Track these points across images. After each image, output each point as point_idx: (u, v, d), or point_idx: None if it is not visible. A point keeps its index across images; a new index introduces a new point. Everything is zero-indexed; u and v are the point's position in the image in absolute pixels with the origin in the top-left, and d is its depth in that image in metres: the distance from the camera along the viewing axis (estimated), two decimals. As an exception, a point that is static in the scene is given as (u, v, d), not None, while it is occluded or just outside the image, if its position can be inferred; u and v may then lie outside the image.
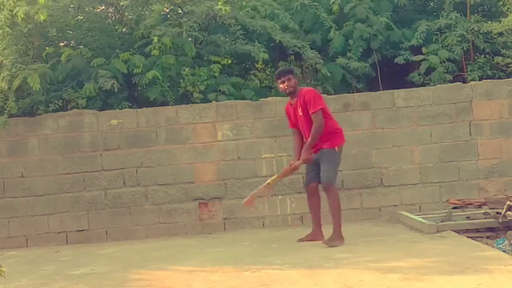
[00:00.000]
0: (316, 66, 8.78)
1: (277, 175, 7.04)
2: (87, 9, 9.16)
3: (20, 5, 7.86)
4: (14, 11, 7.86)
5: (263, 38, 8.99)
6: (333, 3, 9.09)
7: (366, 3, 9.08)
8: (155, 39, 8.17)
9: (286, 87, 6.69)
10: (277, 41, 8.70)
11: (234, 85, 8.75)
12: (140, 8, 9.12)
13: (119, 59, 8.52)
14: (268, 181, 6.94)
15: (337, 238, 6.56)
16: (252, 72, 9.58)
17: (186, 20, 8.50)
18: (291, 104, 6.80)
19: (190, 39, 8.57)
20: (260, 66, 9.30)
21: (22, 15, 7.82)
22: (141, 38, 8.69)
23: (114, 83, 8.14)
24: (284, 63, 9.08)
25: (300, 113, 6.65)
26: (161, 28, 8.35)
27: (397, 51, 9.12)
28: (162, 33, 8.18)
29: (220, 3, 8.28)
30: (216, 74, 8.67)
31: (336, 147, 6.66)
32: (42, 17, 7.83)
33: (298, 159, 6.74)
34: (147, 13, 8.94)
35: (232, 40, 8.79)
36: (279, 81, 6.76)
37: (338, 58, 8.90)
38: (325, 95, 8.57)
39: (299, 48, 8.74)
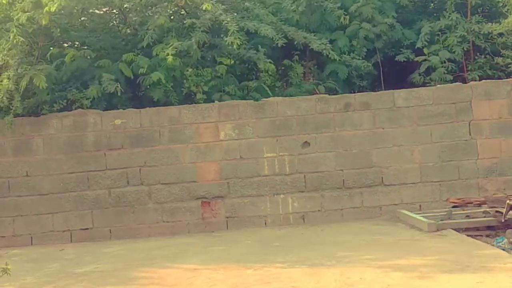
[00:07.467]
0: (323, 52, 8.67)
1: None
2: (91, 10, 9.20)
3: (23, 8, 7.91)
4: (17, 16, 7.93)
5: (267, 38, 8.99)
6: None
7: (373, 3, 9.10)
8: (170, 58, 8.17)
9: None
10: (279, 46, 8.71)
11: (241, 87, 8.76)
12: (144, 10, 9.14)
13: (124, 63, 8.56)
14: None
15: None
16: (255, 73, 9.59)
17: (196, 28, 8.49)
18: None
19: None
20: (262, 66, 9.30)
21: (24, 20, 7.88)
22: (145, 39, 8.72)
23: (117, 86, 8.19)
24: (288, 62, 9.12)
25: None
26: (172, 41, 8.40)
27: (398, 49, 9.15)
28: (174, 51, 8.19)
29: (230, 38, 8.10)
30: (219, 74, 8.69)
31: None
32: (44, 22, 7.85)
33: None
34: (151, 14, 8.95)
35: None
36: None
37: (342, 56, 8.91)
38: (327, 94, 8.67)
39: (305, 38, 8.69)
